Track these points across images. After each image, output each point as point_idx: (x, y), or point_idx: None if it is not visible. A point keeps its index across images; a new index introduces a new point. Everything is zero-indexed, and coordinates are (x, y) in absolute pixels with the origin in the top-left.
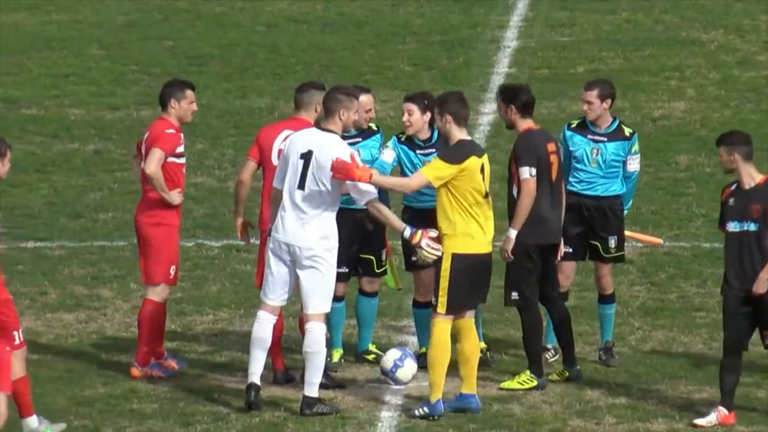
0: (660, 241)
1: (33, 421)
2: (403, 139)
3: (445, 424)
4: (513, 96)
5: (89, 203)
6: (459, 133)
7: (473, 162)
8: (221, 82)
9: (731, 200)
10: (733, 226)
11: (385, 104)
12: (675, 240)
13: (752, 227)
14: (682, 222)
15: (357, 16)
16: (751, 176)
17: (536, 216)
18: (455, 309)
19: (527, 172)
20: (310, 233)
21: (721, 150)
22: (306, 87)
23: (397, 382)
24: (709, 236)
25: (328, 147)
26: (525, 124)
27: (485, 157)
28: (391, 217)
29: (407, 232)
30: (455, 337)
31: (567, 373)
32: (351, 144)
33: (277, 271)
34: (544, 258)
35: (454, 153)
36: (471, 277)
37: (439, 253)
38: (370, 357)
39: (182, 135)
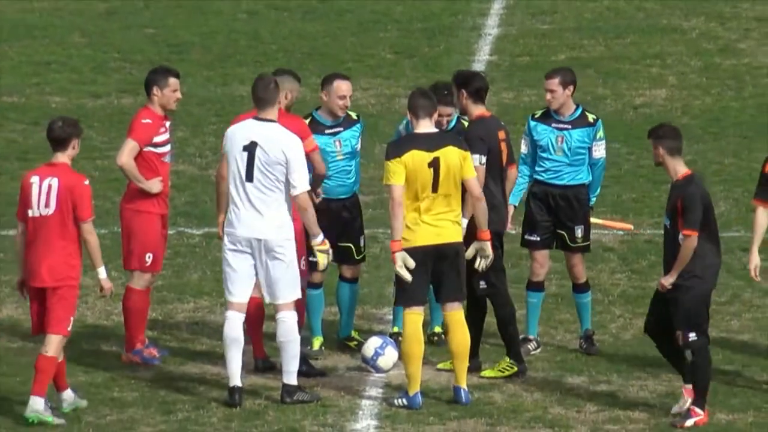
0: (630, 226)
1: (41, 402)
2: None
3: (426, 412)
4: (466, 82)
5: None
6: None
7: (412, 156)
8: (202, 70)
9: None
10: (664, 219)
11: (367, 92)
12: (656, 228)
13: (667, 222)
14: (663, 210)
15: (338, 3)
16: (675, 171)
17: (491, 204)
18: (406, 301)
19: (477, 160)
20: (267, 224)
21: (651, 142)
22: (279, 72)
23: (377, 370)
24: None
25: (275, 139)
26: (477, 110)
27: (445, 149)
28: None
29: (319, 238)
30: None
31: (515, 368)
32: (332, 134)
33: (238, 266)
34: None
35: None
36: (414, 269)
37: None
38: (353, 344)
39: (167, 123)
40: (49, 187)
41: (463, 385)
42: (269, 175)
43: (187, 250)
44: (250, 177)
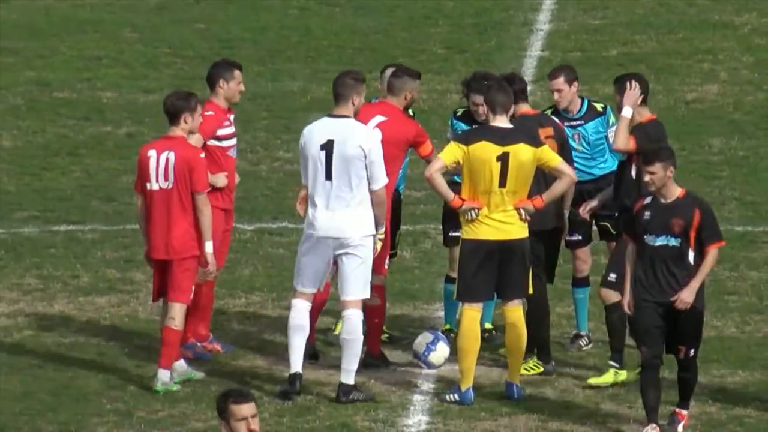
0: None
1: (167, 374)
2: (459, 114)
3: (477, 407)
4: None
5: (122, 186)
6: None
7: (481, 147)
8: (253, 65)
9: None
10: (659, 239)
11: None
12: None
13: (673, 241)
14: (715, 205)
15: None
16: (673, 189)
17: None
18: (465, 296)
19: None
20: (347, 223)
21: (656, 164)
22: (401, 73)
23: (429, 365)
24: (742, 220)
25: (352, 135)
26: (520, 109)
27: (516, 146)
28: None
29: (382, 229)
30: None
31: (541, 368)
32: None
33: (312, 261)
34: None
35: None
36: (477, 264)
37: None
38: (384, 337)
39: (231, 117)
40: (167, 160)
41: (516, 381)
42: (348, 172)
43: (239, 245)
44: (329, 175)
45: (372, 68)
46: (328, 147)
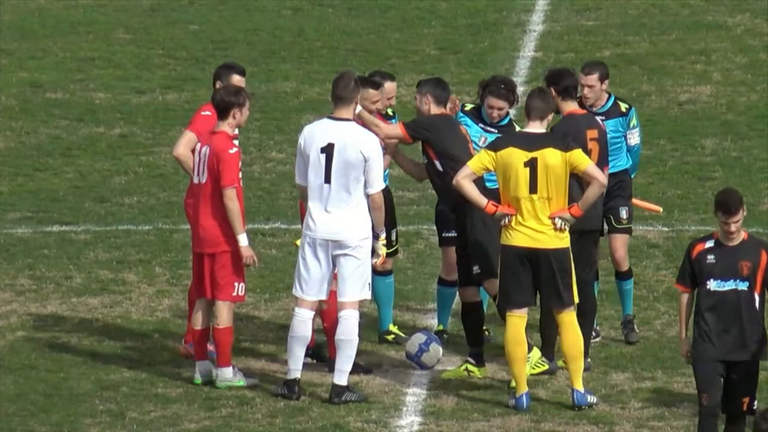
0: (659, 209)
1: (228, 371)
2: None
3: (470, 408)
4: (555, 80)
5: (114, 187)
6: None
7: (509, 153)
8: (246, 66)
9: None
10: (722, 284)
11: (411, 88)
12: (701, 224)
13: (741, 285)
14: (708, 206)
15: (383, 0)
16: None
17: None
18: (506, 303)
19: None
20: (345, 225)
21: (741, 213)
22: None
23: (422, 366)
24: None
25: (353, 139)
26: (568, 107)
27: (544, 151)
28: None
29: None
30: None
31: (546, 366)
32: None
33: (313, 266)
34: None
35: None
36: (512, 270)
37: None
38: (390, 337)
39: None
40: (204, 155)
41: (578, 387)
42: (347, 176)
43: None
44: (327, 179)
45: (365, 69)
46: (328, 150)
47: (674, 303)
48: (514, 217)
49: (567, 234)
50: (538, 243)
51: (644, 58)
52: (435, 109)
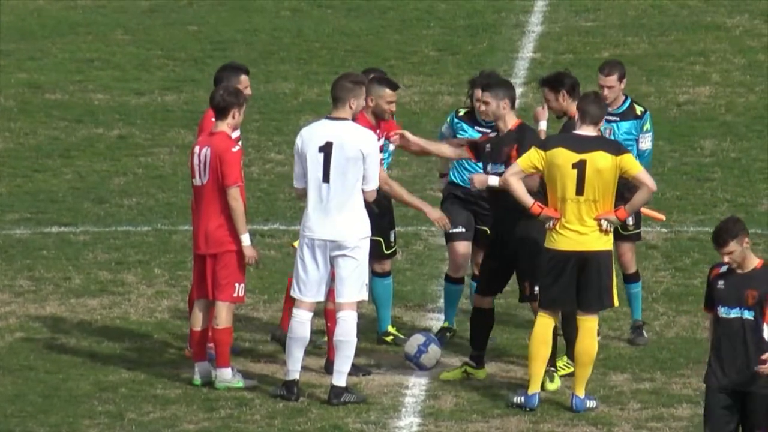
0: (663, 217)
1: (227, 372)
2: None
3: (469, 409)
4: (561, 81)
5: (113, 188)
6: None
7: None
8: None
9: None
10: (729, 311)
11: (410, 89)
12: (700, 225)
13: (747, 314)
14: (706, 207)
15: (381, 1)
16: (750, 259)
17: None
18: (543, 303)
19: None
20: (344, 225)
21: (732, 244)
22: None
23: (421, 367)
24: None
25: (351, 137)
26: (575, 108)
27: (594, 153)
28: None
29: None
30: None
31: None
32: None
33: (312, 267)
34: None
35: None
36: (554, 273)
37: None
38: (389, 338)
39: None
40: (205, 156)
41: (579, 393)
42: (346, 175)
43: None
44: (326, 178)
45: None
46: (326, 149)
47: (672, 304)
48: (558, 221)
49: (611, 236)
50: (583, 246)
51: (643, 59)
52: (511, 115)
